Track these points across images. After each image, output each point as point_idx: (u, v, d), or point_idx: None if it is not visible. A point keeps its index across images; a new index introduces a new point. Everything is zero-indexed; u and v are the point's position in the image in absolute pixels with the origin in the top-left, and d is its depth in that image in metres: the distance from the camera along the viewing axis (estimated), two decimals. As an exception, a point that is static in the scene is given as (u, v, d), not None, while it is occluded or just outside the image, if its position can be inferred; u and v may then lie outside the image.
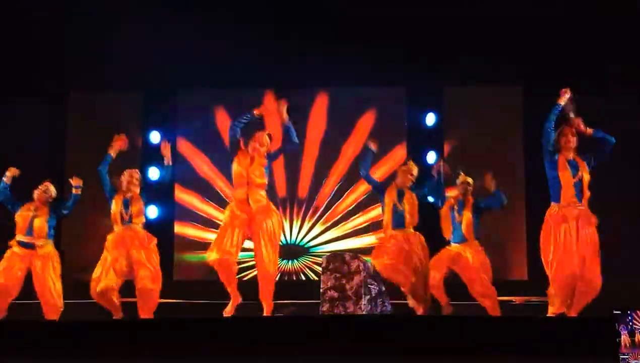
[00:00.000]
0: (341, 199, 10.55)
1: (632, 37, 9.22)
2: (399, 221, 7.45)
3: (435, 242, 7.66)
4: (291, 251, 10.49)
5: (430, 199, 7.72)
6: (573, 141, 6.65)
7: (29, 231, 7.43)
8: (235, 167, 6.90)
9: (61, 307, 7.44)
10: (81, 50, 9.94)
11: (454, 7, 9.59)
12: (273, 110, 7.11)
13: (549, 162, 6.61)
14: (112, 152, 7.53)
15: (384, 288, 7.47)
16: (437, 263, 7.44)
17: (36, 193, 7.55)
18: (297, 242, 10.54)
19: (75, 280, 8.41)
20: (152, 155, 10.58)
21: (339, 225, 10.55)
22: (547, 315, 6.58)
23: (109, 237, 7.41)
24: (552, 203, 6.57)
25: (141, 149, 10.56)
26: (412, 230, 7.48)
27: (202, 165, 10.63)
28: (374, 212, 10.37)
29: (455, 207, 7.53)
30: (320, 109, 10.63)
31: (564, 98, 6.62)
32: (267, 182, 6.98)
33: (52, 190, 7.64)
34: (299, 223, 10.58)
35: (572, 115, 6.61)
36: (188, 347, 5.60)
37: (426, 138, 10.38)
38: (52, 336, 5.84)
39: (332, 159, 10.56)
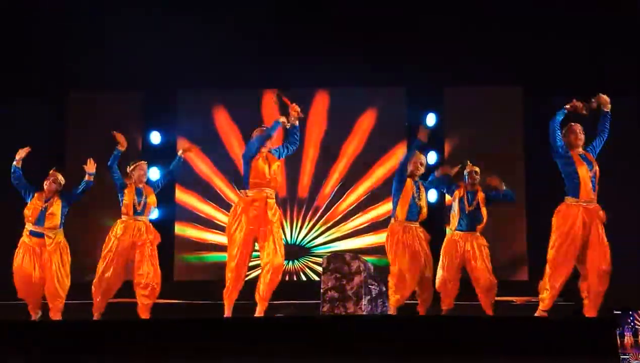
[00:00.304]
0: (341, 199, 10.55)
1: (632, 37, 9.22)
2: (411, 214, 7.39)
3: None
4: (291, 251, 10.48)
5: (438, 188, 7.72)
6: (582, 137, 6.69)
7: (39, 221, 7.43)
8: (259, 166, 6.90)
9: (63, 302, 7.45)
10: (81, 51, 9.94)
11: (454, 7, 9.59)
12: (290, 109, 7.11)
13: (562, 158, 6.60)
14: (121, 147, 7.61)
15: (384, 289, 7.46)
16: (450, 266, 7.39)
17: (46, 184, 7.58)
18: (297, 242, 10.54)
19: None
20: (152, 155, 10.62)
21: (340, 226, 10.55)
22: (536, 314, 6.59)
23: (119, 225, 7.42)
24: (570, 197, 6.56)
25: (141, 149, 10.57)
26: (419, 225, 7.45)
27: (202, 166, 10.62)
28: (375, 212, 10.39)
29: (465, 196, 7.48)
30: (320, 108, 10.62)
31: (575, 107, 6.59)
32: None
33: (61, 177, 7.68)
34: (299, 223, 10.58)
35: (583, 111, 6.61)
36: (188, 348, 5.59)
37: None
38: (49, 335, 5.84)
39: (332, 159, 10.56)
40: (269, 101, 10.65)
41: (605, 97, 6.62)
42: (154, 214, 9.67)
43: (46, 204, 7.47)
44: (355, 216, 10.51)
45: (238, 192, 7.03)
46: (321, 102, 10.64)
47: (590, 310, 6.46)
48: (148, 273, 7.35)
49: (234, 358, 5.42)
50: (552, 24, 9.48)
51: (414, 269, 7.18)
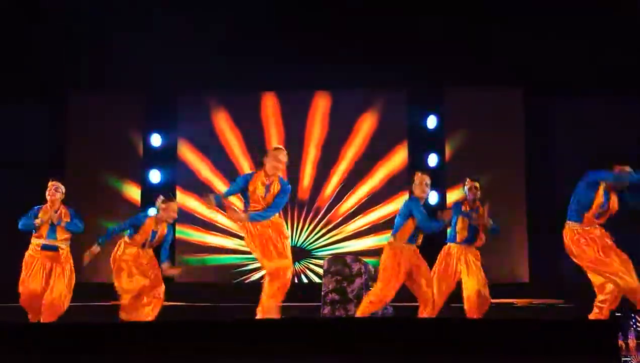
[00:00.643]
0: (342, 201, 10.54)
1: (632, 37, 9.22)
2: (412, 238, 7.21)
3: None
4: (293, 253, 10.45)
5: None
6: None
7: (51, 234, 7.38)
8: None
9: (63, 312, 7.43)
10: (82, 53, 9.94)
11: (455, 9, 9.59)
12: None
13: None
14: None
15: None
16: (448, 280, 7.33)
17: (50, 195, 7.46)
18: (298, 245, 10.53)
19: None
20: (153, 157, 10.62)
21: (340, 228, 10.55)
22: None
23: (127, 249, 7.37)
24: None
25: (142, 151, 10.58)
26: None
27: (203, 168, 10.62)
28: (375, 214, 10.38)
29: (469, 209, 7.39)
30: (321, 110, 10.62)
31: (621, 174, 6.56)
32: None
33: (61, 186, 7.59)
34: (300, 225, 10.57)
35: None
36: (189, 349, 5.58)
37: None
38: (48, 338, 5.83)
39: (333, 160, 10.55)
40: (269, 103, 10.69)
41: None
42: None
43: (57, 215, 7.42)
44: (356, 218, 10.50)
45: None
46: (322, 104, 10.63)
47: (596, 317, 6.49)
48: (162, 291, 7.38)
49: (234, 361, 5.41)
50: (552, 24, 9.48)
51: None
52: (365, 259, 8.06)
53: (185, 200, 10.57)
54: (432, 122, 10.40)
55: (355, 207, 10.50)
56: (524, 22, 9.52)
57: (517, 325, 5.87)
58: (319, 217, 10.57)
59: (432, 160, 10.25)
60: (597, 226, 6.53)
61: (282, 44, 9.66)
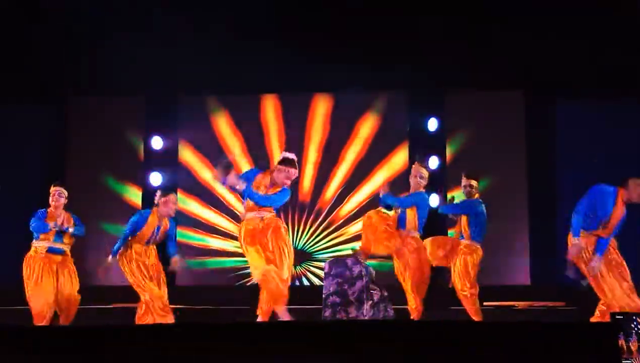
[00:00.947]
0: (343, 203, 10.54)
1: (632, 37, 9.21)
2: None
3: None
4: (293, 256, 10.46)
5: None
6: None
7: (59, 237, 7.39)
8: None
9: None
10: (82, 53, 9.94)
11: (455, 10, 9.58)
12: None
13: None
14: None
15: (386, 294, 7.44)
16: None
17: (53, 201, 7.45)
18: (299, 247, 10.52)
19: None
20: (154, 160, 10.62)
21: (341, 230, 10.54)
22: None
23: (129, 252, 7.32)
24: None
25: (143, 154, 10.57)
26: None
27: (203, 171, 10.62)
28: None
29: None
30: (321, 113, 10.62)
31: None
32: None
33: (64, 191, 7.58)
34: (300, 228, 10.56)
35: None
36: (189, 352, 5.58)
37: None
38: (51, 340, 5.83)
39: (333, 163, 10.55)
40: (270, 105, 10.69)
41: None
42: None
43: (62, 220, 7.41)
44: (357, 220, 10.48)
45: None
46: (322, 106, 10.63)
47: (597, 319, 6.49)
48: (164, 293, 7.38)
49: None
50: (552, 24, 9.47)
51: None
52: (366, 261, 8.05)
53: (187, 202, 10.57)
54: (433, 124, 10.40)
55: (356, 209, 10.50)
56: (524, 22, 9.51)
57: (517, 327, 5.86)
58: (320, 219, 10.56)
59: (433, 162, 10.24)
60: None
61: (283, 46, 9.66)
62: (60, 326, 7.15)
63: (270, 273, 6.45)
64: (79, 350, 5.57)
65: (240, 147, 10.55)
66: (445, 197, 10.05)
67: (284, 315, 6.49)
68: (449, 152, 10.40)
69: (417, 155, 7.62)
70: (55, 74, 10.14)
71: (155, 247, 7.47)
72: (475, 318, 7.26)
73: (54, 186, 7.50)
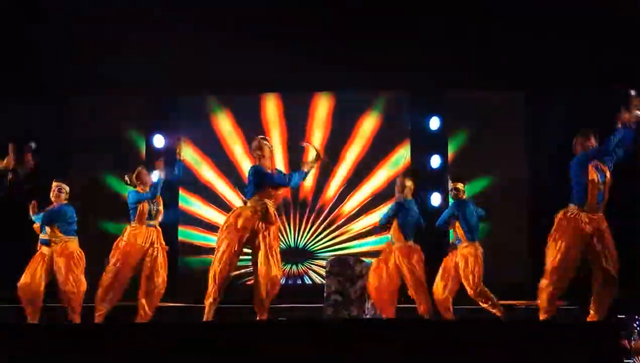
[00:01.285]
0: (344, 202, 10.54)
1: (632, 37, 9.20)
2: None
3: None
4: (295, 254, 10.48)
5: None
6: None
7: (43, 229, 7.48)
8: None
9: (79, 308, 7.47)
10: (84, 54, 9.93)
11: (456, 11, 9.58)
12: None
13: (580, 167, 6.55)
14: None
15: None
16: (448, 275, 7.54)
17: (54, 197, 7.54)
18: (300, 246, 10.53)
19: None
20: (156, 159, 10.60)
21: (343, 228, 10.54)
22: (542, 319, 6.58)
23: (131, 231, 7.40)
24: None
25: (145, 152, 10.57)
26: None
27: (205, 169, 10.62)
28: (377, 215, 10.36)
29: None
30: (322, 112, 10.62)
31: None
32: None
33: (65, 187, 7.62)
34: (302, 226, 10.57)
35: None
36: (190, 351, 5.58)
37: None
38: (51, 340, 5.83)
39: (335, 161, 10.54)
40: (271, 104, 10.69)
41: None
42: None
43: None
44: (359, 219, 10.50)
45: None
46: (323, 106, 10.63)
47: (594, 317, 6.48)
48: (163, 281, 7.38)
49: (235, 361, 5.41)
50: (552, 25, 9.46)
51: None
52: (368, 260, 8.06)
53: (188, 201, 10.58)
54: (434, 123, 10.40)
55: (358, 208, 10.50)
56: (524, 22, 9.50)
57: (517, 327, 5.87)
58: (322, 218, 10.56)
59: (435, 161, 10.25)
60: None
61: (284, 45, 9.65)
62: (60, 325, 7.17)
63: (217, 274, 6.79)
64: (79, 350, 5.57)
65: (241, 146, 10.55)
66: (447, 196, 10.06)
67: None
68: (450, 151, 10.40)
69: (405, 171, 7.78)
70: (55, 74, 10.13)
71: (159, 228, 7.55)
72: (496, 312, 7.40)
73: (55, 181, 7.56)
